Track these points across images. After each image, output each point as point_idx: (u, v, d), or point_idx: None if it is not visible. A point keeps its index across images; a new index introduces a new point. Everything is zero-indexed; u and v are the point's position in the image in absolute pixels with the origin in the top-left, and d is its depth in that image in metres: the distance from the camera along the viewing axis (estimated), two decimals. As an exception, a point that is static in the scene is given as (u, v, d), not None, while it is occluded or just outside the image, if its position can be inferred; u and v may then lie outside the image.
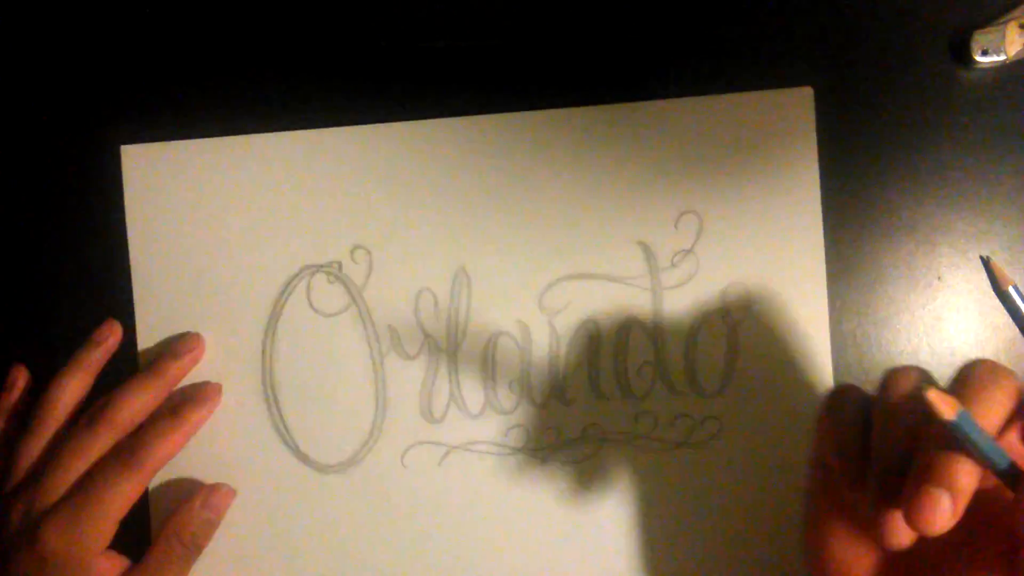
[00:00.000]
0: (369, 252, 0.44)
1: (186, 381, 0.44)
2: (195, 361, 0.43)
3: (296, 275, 0.44)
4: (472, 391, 0.44)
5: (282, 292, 0.44)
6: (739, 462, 0.43)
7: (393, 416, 0.44)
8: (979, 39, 0.42)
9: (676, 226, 0.43)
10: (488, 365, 0.44)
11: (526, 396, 0.44)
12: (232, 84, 0.45)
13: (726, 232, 0.43)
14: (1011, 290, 0.41)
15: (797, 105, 0.43)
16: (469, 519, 0.44)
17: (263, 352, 0.44)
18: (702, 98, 0.43)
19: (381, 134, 0.44)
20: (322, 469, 0.44)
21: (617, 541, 0.43)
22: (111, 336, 0.44)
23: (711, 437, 0.43)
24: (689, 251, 0.43)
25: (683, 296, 0.43)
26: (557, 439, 0.44)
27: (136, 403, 0.42)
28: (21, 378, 0.44)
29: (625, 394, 0.43)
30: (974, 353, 0.43)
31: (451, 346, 0.44)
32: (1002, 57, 0.42)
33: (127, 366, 0.44)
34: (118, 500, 0.39)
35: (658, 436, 0.43)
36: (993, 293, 0.42)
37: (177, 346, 0.43)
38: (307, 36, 0.45)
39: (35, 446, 0.42)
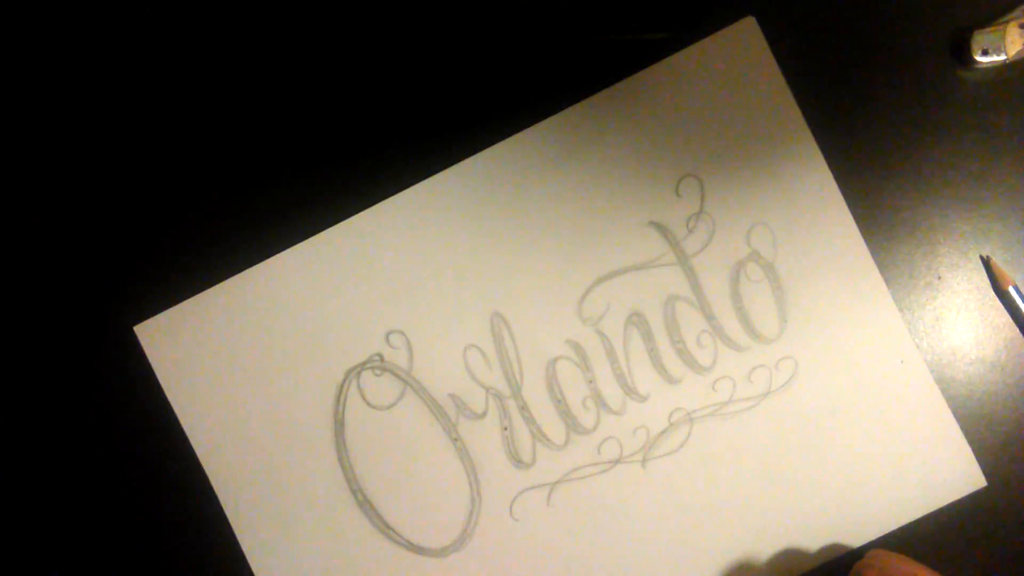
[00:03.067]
0: (403, 333, 0.44)
1: (278, 501, 0.44)
2: None
3: (343, 382, 0.44)
4: (551, 424, 0.44)
5: (336, 402, 0.44)
6: (824, 390, 0.43)
7: (486, 477, 0.44)
8: (979, 39, 0.42)
9: (679, 193, 0.43)
10: (555, 393, 0.44)
11: (603, 408, 0.44)
12: (211, 227, 0.45)
13: (728, 181, 0.43)
14: (1011, 290, 0.42)
15: (746, 38, 0.43)
16: (593, 544, 0.43)
17: (341, 464, 0.44)
18: (657, 65, 0.43)
19: (373, 219, 0.44)
20: (440, 553, 0.44)
21: (750, 510, 0.43)
22: None
23: (791, 377, 0.43)
24: (700, 212, 0.43)
25: (711, 256, 0.43)
26: (648, 437, 0.44)
27: None
28: None
29: (694, 369, 0.43)
30: (974, 353, 0.43)
31: (515, 390, 0.44)
32: (1002, 57, 0.42)
33: (219, 524, 0.44)
34: None
35: (741, 396, 0.43)
36: (993, 293, 0.42)
37: None
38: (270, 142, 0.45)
39: None
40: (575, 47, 0.44)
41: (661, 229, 0.43)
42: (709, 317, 0.43)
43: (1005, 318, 0.43)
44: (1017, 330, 0.43)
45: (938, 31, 0.43)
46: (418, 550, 0.44)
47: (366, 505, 0.44)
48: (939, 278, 0.43)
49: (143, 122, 0.46)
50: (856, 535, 0.43)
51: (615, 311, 0.44)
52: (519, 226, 0.44)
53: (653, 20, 0.43)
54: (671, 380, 0.43)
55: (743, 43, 0.43)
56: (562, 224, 0.44)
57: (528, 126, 0.44)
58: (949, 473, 0.42)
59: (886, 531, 0.42)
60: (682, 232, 0.43)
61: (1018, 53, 0.42)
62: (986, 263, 0.43)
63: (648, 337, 0.44)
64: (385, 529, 0.44)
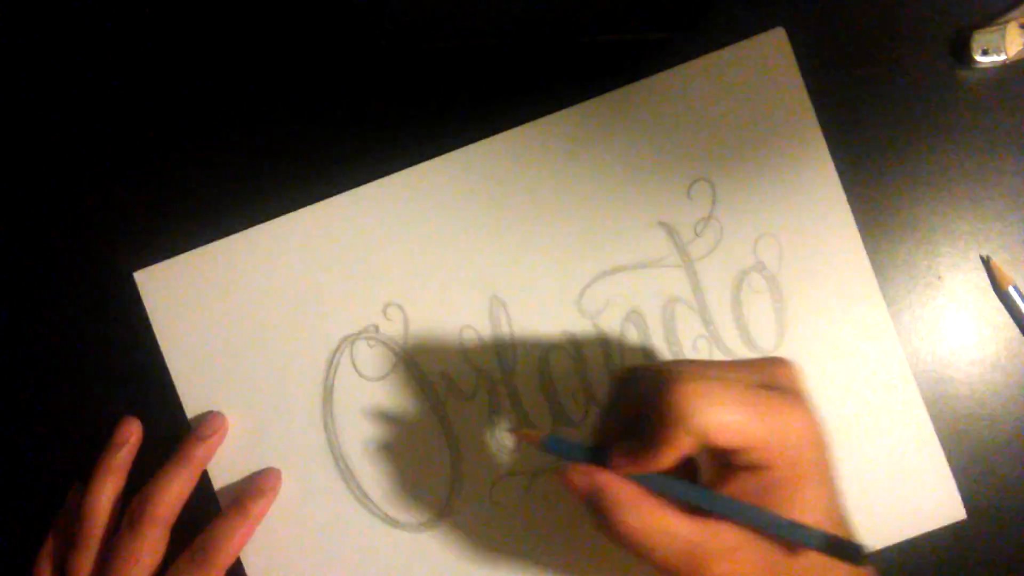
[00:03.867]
0: (400, 307, 0.44)
1: (259, 460, 0.44)
2: (221, 440, 0.43)
3: (336, 349, 0.44)
4: (539, 413, 0.44)
5: (327, 369, 0.44)
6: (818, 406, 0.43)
7: (470, 459, 0.44)
8: (979, 39, 0.42)
9: (690, 196, 0.43)
10: (547, 382, 0.44)
11: (592, 401, 0.44)
12: (220, 182, 0.45)
13: (740, 189, 0.43)
14: (1011, 290, 0.42)
15: (774, 48, 0.43)
16: (571, 536, 0.43)
17: (326, 431, 0.44)
18: (682, 66, 0.43)
19: (381, 190, 0.44)
20: (416, 528, 0.44)
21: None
22: (132, 435, 0.44)
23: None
24: (709, 217, 0.43)
25: (715, 262, 0.43)
26: (634, 435, 0.43)
27: (172, 494, 0.42)
28: (134, 433, 0.44)
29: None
30: (974, 353, 0.43)
31: (506, 375, 0.44)
32: (1002, 57, 0.42)
33: (200, 482, 0.44)
34: None
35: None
36: (993, 293, 0.42)
37: (202, 429, 0.43)
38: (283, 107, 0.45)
39: (85, 560, 0.42)
40: (574, 47, 0.44)
41: (668, 230, 0.43)
42: (707, 322, 0.43)
43: (1005, 318, 0.43)
44: (1017, 330, 0.43)
45: (938, 31, 0.43)
46: (393, 523, 0.44)
47: (346, 473, 0.44)
48: (939, 278, 0.43)
49: (160, 73, 0.46)
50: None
51: (615, 307, 0.44)
52: (528, 213, 0.44)
53: (649, 21, 0.42)
54: (663, 381, 0.43)
55: (771, 53, 0.43)
56: (570, 215, 0.44)
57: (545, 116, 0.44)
58: (931, 503, 0.42)
59: (882, 545, 0.42)
60: (689, 235, 0.43)
61: (1018, 53, 0.42)
62: (986, 263, 0.43)
63: (645, 336, 0.43)
64: (363, 499, 0.44)
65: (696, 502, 0.32)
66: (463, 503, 0.44)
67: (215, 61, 0.45)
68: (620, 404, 0.35)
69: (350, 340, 0.44)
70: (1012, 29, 0.41)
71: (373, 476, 0.44)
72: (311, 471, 0.44)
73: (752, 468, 0.31)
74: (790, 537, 0.31)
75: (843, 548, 0.31)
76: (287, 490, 0.44)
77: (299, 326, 0.44)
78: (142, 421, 0.45)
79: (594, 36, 0.43)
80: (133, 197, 0.46)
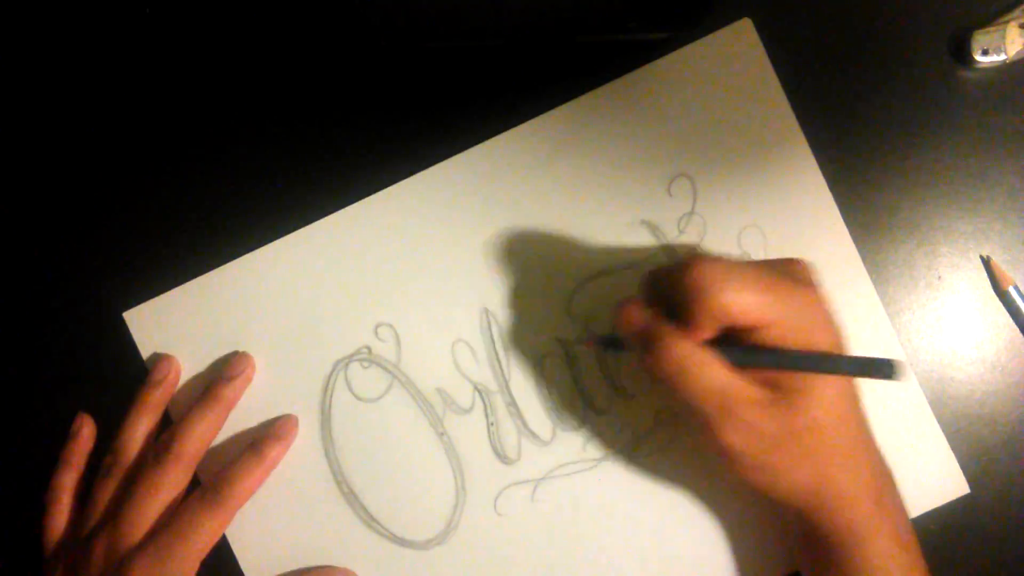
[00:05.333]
0: (392, 326, 0.44)
1: (262, 491, 0.44)
2: (248, 381, 0.44)
3: (331, 373, 0.44)
4: (537, 421, 0.44)
5: (323, 394, 0.44)
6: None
7: (471, 472, 0.44)
8: (979, 39, 0.42)
9: (671, 193, 0.43)
10: (543, 390, 0.44)
11: (589, 406, 0.44)
12: (201, 215, 0.45)
13: (720, 182, 0.43)
14: (1011, 290, 0.42)
15: (742, 39, 0.43)
16: (577, 541, 0.44)
17: (327, 456, 0.44)
18: (652, 64, 0.43)
19: (361, 212, 0.44)
20: (423, 546, 0.44)
21: (734, 510, 0.43)
22: (170, 373, 0.44)
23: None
24: (692, 213, 0.43)
25: (702, 257, 0.43)
26: (633, 435, 0.44)
27: (198, 433, 0.42)
28: (86, 426, 0.44)
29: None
30: (974, 353, 0.43)
31: (502, 385, 0.44)
32: (1002, 57, 0.42)
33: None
34: (204, 538, 0.40)
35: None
36: (993, 293, 0.42)
37: (229, 369, 0.43)
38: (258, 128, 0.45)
39: (108, 488, 0.42)
40: (572, 46, 0.44)
41: (652, 228, 0.43)
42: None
43: (1005, 318, 0.43)
44: (1017, 330, 0.43)
45: (938, 31, 0.43)
46: (401, 542, 0.44)
47: (351, 496, 0.44)
48: (939, 278, 0.43)
49: (139, 108, 0.46)
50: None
51: (605, 309, 0.44)
52: (510, 222, 0.44)
53: (651, 19, 0.42)
54: (658, 380, 0.43)
55: (739, 44, 0.43)
56: (553, 221, 0.44)
57: (521, 123, 0.44)
58: (934, 479, 0.42)
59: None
60: (673, 232, 0.43)
61: (1018, 53, 0.42)
62: (986, 263, 0.43)
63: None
64: (369, 521, 0.44)
65: (732, 359, 0.35)
66: (469, 517, 0.44)
67: (196, 84, 0.45)
68: (651, 303, 0.37)
69: (343, 363, 0.44)
70: (1012, 29, 0.41)
71: (377, 497, 0.44)
72: (315, 497, 0.44)
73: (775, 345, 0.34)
74: (821, 368, 0.33)
75: (876, 366, 0.32)
76: (292, 516, 0.44)
77: (291, 353, 0.44)
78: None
79: (593, 36, 0.43)
80: (116, 237, 0.45)
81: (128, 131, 0.46)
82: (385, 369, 0.44)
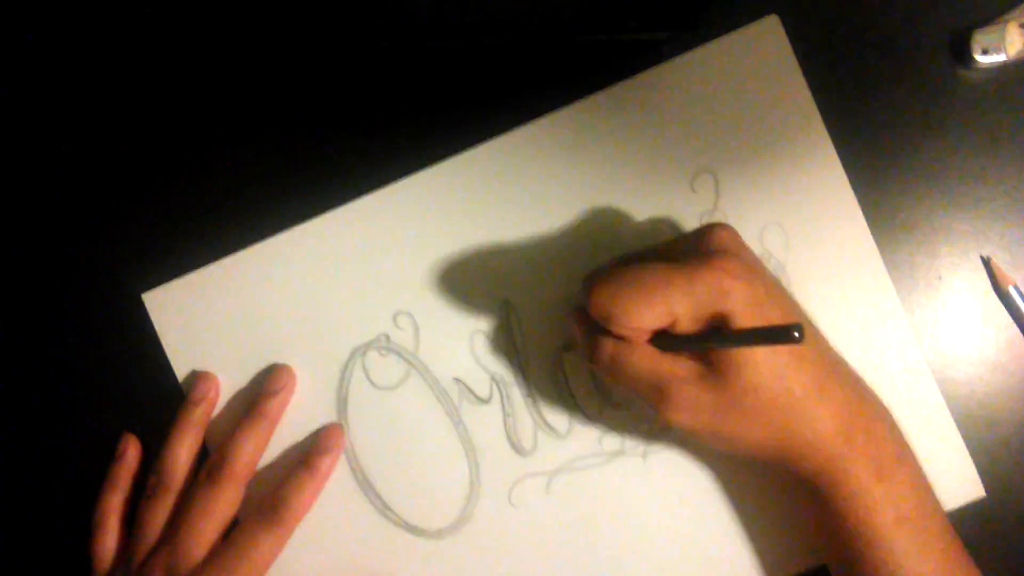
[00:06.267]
0: (411, 314, 0.44)
1: (277, 477, 0.44)
2: (291, 394, 0.44)
3: (348, 360, 0.44)
4: (554, 413, 0.44)
5: (341, 380, 0.44)
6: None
7: (487, 462, 0.44)
8: (979, 39, 0.42)
9: (693, 189, 0.43)
10: (560, 382, 0.44)
11: (606, 400, 0.44)
12: (224, 199, 0.45)
13: (743, 179, 0.43)
14: (1011, 290, 0.42)
15: (769, 36, 0.43)
16: (591, 535, 0.44)
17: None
18: (678, 58, 0.43)
19: (384, 199, 0.44)
20: (436, 535, 0.44)
21: (748, 508, 0.43)
22: (210, 391, 0.44)
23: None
24: (713, 209, 0.43)
25: (723, 254, 0.43)
26: (650, 430, 0.44)
27: (249, 451, 0.42)
28: (132, 447, 0.44)
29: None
30: (974, 353, 0.43)
31: (519, 377, 0.44)
32: (1002, 57, 0.42)
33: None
34: (264, 557, 0.41)
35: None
36: (993, 293, 0.42)
37: (271, 383, 0.43)
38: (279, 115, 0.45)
39: (161, 510, 0.42)
40: (572, 46, 0.44)
41: (672, 224, 0.43)
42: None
43: (1005, 318, 0.43)
44: (1017, 330, 0.43)
45: (938, 31, 0.43)
46: (415, 531, 0.44)
47: (365, 483, 0.44)
48: (939, 278, 0.43)
49: (167, 86, 0.46)
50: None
51: (624, 303, 0.43)
52: (533, 214, 0.44)
53: (651, 19, 0.42)
54: (676, 375, 0.43)
55: (766, 41, 0.43)
56: (576, 214, 0.44)
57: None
58: (949, 481, 0.42)
59: None
60: (695, 228, 0.43)
61: (1018, 53, 0.42)
62: (986, 263, 0.43)
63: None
64: (383, 508, 0.44)
65: (659, 345, 0.37)
66: (483, 508, 0.44)
67: (214, 71, 0.45)
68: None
69: (361, 350, 0.44)
70: (1012, 29, 0.41)
71: (392, 485, 0.44)
72: (330, 483, 0.44)
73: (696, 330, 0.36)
74: (730, 343, 0.34)
75: (776, 333, 0.32)
76: (307, 503, 0.44)
77: (310, 339, 0.44)
78: (155, 443, 0.45)
79: (594, 36, 0.43)
80: (138, 219, 0.46)
81: (155, 115, 0.46)
82: (403, 357, 0.44)
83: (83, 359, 0.46)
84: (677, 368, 0.36)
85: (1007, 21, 0.42)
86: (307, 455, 0.43)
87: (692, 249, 0.37)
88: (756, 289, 0.35)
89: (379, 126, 0.45)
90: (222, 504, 0.41)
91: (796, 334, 0.31)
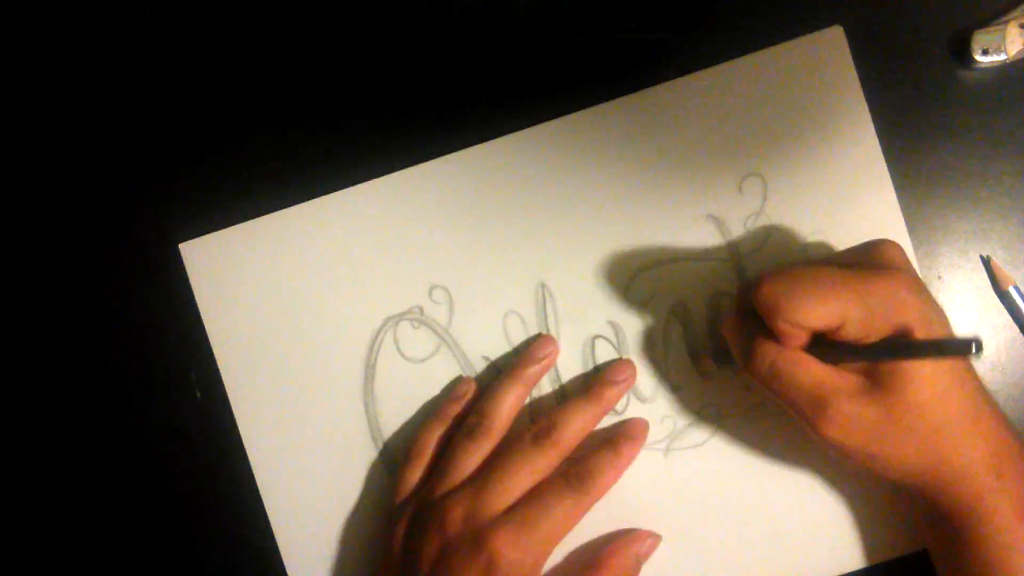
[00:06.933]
0: (447, 289, 0.44)
1: (299, 438, 0.44)
2: (628, 387, 0.43)
3: (380, 329, 0.44)
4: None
5: (370, 349, 0.44)
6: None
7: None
8: (979, 39, 0.42)
9: (741, 191, 0.43)
10: (589, 371, 0.44)
11: (633, 393, 0.44)
12: (272, 156, 0.45)
13: (792, 186, 0.43)
14: (1011, 290, 0.42)
15: (830, 46, 0.43)
16: (606, 522, 0.43)
17: (367, 411, 0.44)
18: (737, 60, 0.43)
19: (432, 171, 0.44)
20: (451, 512, 0.44)
21: (768, 512, 0.43)
22: (550, 356, 0.43)
23: (825, 389, 0.43)
24: (759, 213, 0.43)
25: (764, 258, 0.43)
26: (674, 428, 0.44)
27: (578, 426, 0.41)
28: (472, 391, 0.43)
29: (731, 368, 0.43)
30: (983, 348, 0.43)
31: (549, 361, 0.44)
32: (1002, 57, 0.42)
33: (235, 454, 0.44)
34: (566, 520, 0.40)
35: (773, 399, 0.43)
36: (993, 293, 0.42)
37: (614, 373, 0.43)
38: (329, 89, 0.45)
39: (477, 453, 0.41)
40: (572, 46, 0.44)
41: (718, 224, 0.43)
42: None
43: (1005, 318, 0.43)
44: (1017, 330, 0.43)
45: (938, 31, 0.43)
46: (430, 506, 0.44)
47: (385, 452, 0.44)
48: (939, 278, 0.43)
49: (218, 48, 0.46)
50: (868, 554, 0.43)
51: (660, 298, 0.44)
52: (578, 201, 0.44)
53: (651, 19, 0.42)
54: (706, 376, 0.43)
55: (827, 51, 0.43)
56: (621, 205, 0.44)
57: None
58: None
59: (905, 551, 0.42)
60: (739, 230, 0.43)
61: (1018, 53, 0.42)
62: (986, 263, 0.43)
63: (689, 329, 0.43)
64: (402, 480, 0.44)
65: (822, 357, 0.36)
66: (500, 488, 0.44)
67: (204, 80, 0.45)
68: (746, 314, 0.38)
69: (394, 320, 0.44)
70: (1012, 29, 0.41)
71: (411, 458, 0.44)
72: (349, 449, 0.44)
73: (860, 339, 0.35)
74: (902, 355, 0.34)
75: (955, 346, 0.32)
76: (325, 466, 0.44)
77: (343, 304, 0.44)
78: (182, 394, 0.45)
79: (594, 36, 0.43)
80: (184, 170, 0.46)
81: (208, 65, 0.46)
82: (435, 331, 0.44)
83: (118, 304, 0.46)
84: (840, 381, 0.35)
85: (1007, 21, 0.42)
86: (615, 438, 0.42)
87: (863, 261, 0.37)
88: (927, 306, 0.35)
89: (370, 127, 0.45)
90: (539, 467, 0.40)
91: (975, 347, 0.30)
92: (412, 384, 0.44)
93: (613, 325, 0.44)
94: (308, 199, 0.44)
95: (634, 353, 0.44)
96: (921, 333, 0.34)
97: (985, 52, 0.42)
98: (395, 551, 0.41)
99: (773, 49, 0.43)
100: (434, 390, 0.44)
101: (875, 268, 0.35)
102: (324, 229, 0.44)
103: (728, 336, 0.39)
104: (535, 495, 0.40)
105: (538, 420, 0.42)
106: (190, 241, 0.45)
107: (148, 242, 0.45)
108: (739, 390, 0.43)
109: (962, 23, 0.43)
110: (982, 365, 0.43)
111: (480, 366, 0.44)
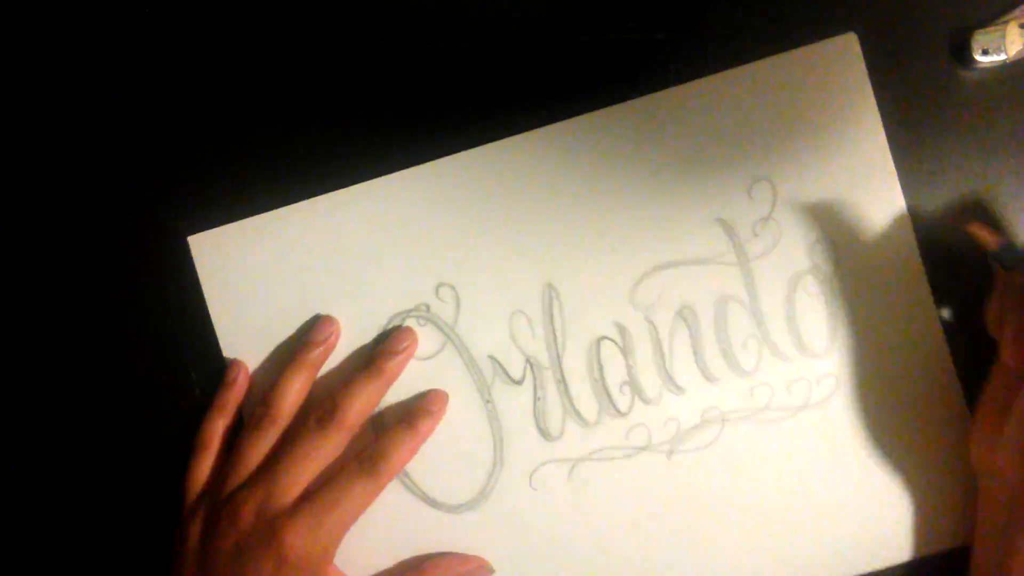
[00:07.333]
0: (454, 287, 0.44)
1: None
2: (410, 356, 0.43)
3: (386, 325, 0.44)
4: (584, 401, 0.44)
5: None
6: (861, 413, 0.43)
7: (512, 443, 0.44)
8: (979, 39, 0.42)
9: (750, 196, 0.43)
10: (594, 372, 0.44)
11: (638, 394, 0.44)
12: (282, 152, 0.45)
13: (801, 192, 0.43)
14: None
15: (844, 53, 0.43)
16: (607, 528, 0.44)
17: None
18: (750, 65, 0.43)
19: (441, 170, 0.44)
20: (453, 510, 0.44)
21: (763, 517, 0.43)
22: (332, 336, 0.43)
23: (830, 394, 0.43)
24: (768, 218, 0.43)
25: (771, 263, 0.43)
26: (678, 430, 0.44)
27: (363, 402, 0.42)
28: (243, 374, 0.44)
29: (736, 371, 0.43)
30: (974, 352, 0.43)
31: (554, 362, 0.44)
32: (1002, 57, 0.42)
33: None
34: (357, 506, 0.40)
35: (777, 405, 0.43)
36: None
37: (393, 343, 0.43)
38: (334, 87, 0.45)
39: (263, 444, 0.42)
40: (572, 46, 0.44)
41: (727, 228, 0.43)
42: (759, 322, 0.43)
43: None
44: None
45: (938, 31, 0.43)
46: (432, 503, 0.44)
47: (389, 450, 0.44)
48: None
49: (231, 43, 0.46)
50: (868, 560, 0.43)
51: (667, 301, 0.44)
52: (587, 202, 0.44)
53: (651, 19, 0.42)
54: (711, 378, 0.43)
55: (841, 58, 0.43)
56: (629, 207, 0.44)
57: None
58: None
59: (902, 559, 0.43)
60: (747, 234, 0.43)
61: (1018, 53, 0.42)
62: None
63: (695, 332, 0.44)
64: (402, 477, 0.44)
65: None
66: (503, 488, 0.44)
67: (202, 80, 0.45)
68: None
69: (400, 317, 0.44)
70: (1012, 29, 0.41)
71: (415, 456, 0.44)
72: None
73: None
74: None
75: None
76: (327, 463, 0.44)
77: (350, 300, 0.44)
78: (186, 384, 0.45)
79: (594, 36, 0.43)
80: (195, 163, 0.46)
81: (220, 59, 0.46)
82: (441, 329, 0.44)
83: (124, 295, 0.46)
84: None
85: (1007, 21, 0.42)
86: (409, 414, 0.42)
87: None
88: None
89: (370, 127, 0.44)
90: (326, 450, 0.41)
91: None
92: (416, 381, 0.44)
93: (619, 327, 0.44)
94: (318, 195, 0.44)
95: (639, 354, 0.44)
96: None
97: (985, 52, 0.42)
98: (190, 551, 0.41)
99: (786, 54, 0.43)
100: (438, 387, 0.44)
101: None
102: (332, 225, 0.44)
103: (1011, 314, 0.37)
104: (327, 481, 0.40)
105: (320, 402, 0.42)
106: (199, 234, 0.45)
107: (157, 234, 0.45)
108: (743, 393, 0.43)
109: (962, 23, 0.43)
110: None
111: (485, 365, 0.44)
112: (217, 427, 0.43)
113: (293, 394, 0.42)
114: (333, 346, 0.44)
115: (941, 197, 0.43)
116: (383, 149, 0.45)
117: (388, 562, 0.44)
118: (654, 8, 0.41)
